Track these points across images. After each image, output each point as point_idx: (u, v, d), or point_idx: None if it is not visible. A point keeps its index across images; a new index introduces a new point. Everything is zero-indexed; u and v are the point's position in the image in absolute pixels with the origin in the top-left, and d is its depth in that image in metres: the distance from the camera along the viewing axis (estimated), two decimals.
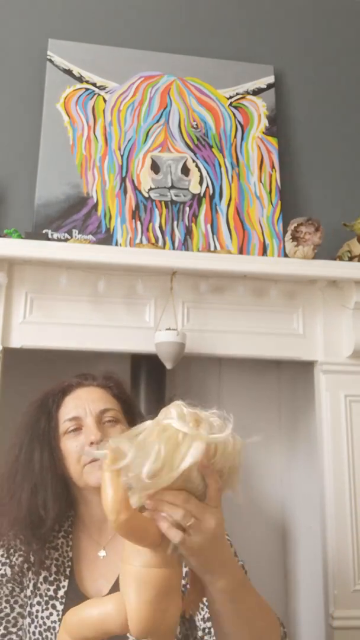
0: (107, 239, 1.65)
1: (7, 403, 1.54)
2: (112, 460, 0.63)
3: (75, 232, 1.64)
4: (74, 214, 1.65)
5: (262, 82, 1.90)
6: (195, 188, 1.74)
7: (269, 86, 1.90)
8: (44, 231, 1.61)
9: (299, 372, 1.76)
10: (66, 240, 1.61)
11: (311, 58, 2.02)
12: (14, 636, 0.91)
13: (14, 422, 1.67)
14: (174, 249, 1.66)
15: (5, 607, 0.92)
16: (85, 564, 0.97)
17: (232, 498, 0.73)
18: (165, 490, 0.63)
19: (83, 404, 1.01)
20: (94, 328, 1.51)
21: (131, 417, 1.05)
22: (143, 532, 0.63)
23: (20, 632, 0.92)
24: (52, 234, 1.61)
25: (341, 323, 1.61)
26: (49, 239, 1.58)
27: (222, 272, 1.53)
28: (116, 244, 1.64)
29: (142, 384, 1.66)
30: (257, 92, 1.89)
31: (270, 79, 1.91)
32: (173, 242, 1.67)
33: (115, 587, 0.91)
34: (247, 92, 1.88)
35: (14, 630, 0.91)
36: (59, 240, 1.61)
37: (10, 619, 0.92)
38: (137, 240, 1.65)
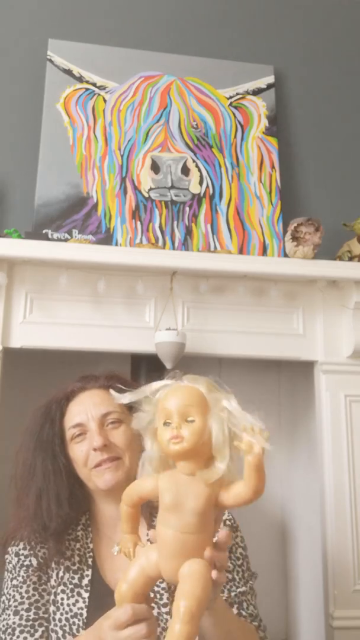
0: (107, 239, 1.65)
1: (7, 403, 1.54)
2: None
3: (75, 232, 1.64)
4: (74, 214, 1.65)
5: (262, 82, 1.90)
6: (195, 188, 1.74)
7: (269, 86, 1.90)
8: (44, 231, 1.61)
9: (299, 372, 1.76)
10: (66, 240, 1.61)
11: (311, 58, 2.02)
12: (43, 621, 0.93)
13: (14, 421, 1.67)
14: (174, 249, 1.66)
15: (34, 594, 0.94)
16: (105, 556, 1.00)
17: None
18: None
19: (86, 410, 1.03)
20: (94, 328, 1.51)
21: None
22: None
23: (49, 619, 0.94)
24: (52, 234, 1.61)
25: (341, 323, 1.61)
26: (49, 239, 1.58)
27: (222, 272, 1.53)
28: (116, 244, 1.64)
29: (142, 384, 1.66)
30: (257, 92, 1.89)
31: (270, 79, 1.91)
32: (173, 242, 1.67)
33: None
34: (247, 92, 1.88)
35: (45, 616, 0.93)
36: (59, 240, 1.61)
37: (39, 605, 0.94)
38: (137, 240, 1.65)
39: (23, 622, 0.91)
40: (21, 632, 0.90)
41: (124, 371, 1.67)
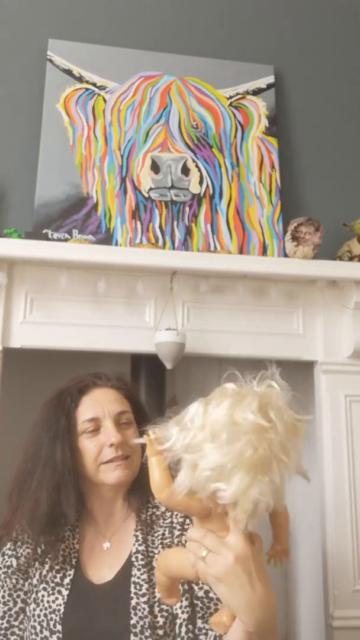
0: (107, 239, 1.65)
1: (7, 403, 1.54)
2: (156, 443, 0.71)
3: (75, 232, 1.64)
4: (74, 214, 1.65)
5: (262, 82, 1.90)
6: (195, 188, 1.74)
7: (269, 86, 1.90)
8: (44, 231, 1.61)
9: (299, 372, 1.76)
10: (66, 240, 1.61)
11: (311, 58, 2.02)
12: (16, 629, 0.96)
13: (14, 421, 1.67)
14: (174, 249, 1.66)
15: (9, 601, 0.97)
16: (90, 555, 1.01)
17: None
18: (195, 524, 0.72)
19: (101, 405, 1.04)
20: (94, 328, 1.51)
21: (140, 419, 1.07)
22: (186, 506, 0.71)
23: (22, 626, 0.96)
24: (52, 234, 1.61)
25: (341, 323, 1.61)
26: (49, 239, 1.58)
27: (222, 272, 1.53)
28: (116, 244, 1.64)
29: (142, 384, 1.66)
30: (257, 92, 1.89)
31: (270, 79, 1.91)
32: (173, 242, 1.67)
33: (118, 574, 0.97)
34: (247, 92, 1.88)
35: (16, 624, 0.96)
36: (59, 240, 1.61)
37: (12, 613, 0.97)
38: (137, 240, 1.65)
39: None
40: None
41: (124, 371, 1.68)
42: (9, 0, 1.87)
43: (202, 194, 1.74)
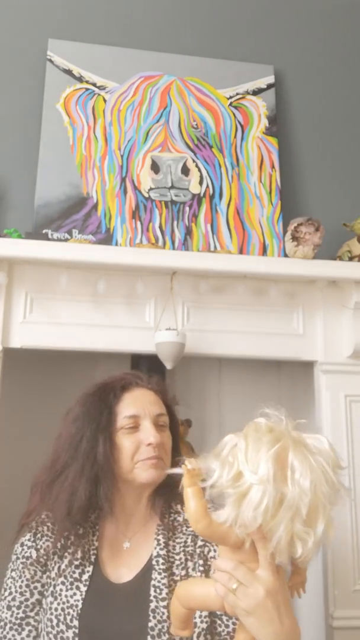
0: (107, 239, 1.65)
1: (7, 403, 1.54)
2: (193, 476, 0.74)
3: (75, 232, 1.64)
4: (74, 214, 1.65)
5: (262, 82, 1.90)
6: (195, 188, 1.74)
7: (269, 86, 1.90)
8: (44, 231, 1.61)
9: (299, 372, 1.76)
10: (66, 240, 1.61)
11: (311, 58, 2.02)
12: (31, 620, 0.97)
13: (14, 421, 1.68)
14: (174, 249, 1.66)
15: (26, 592, 0.98)
16: (109, 553, 1.02)
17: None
18: (222, 555, 0.74)
19: (142, 405, 1.05)
20: (94, 328, 1.51)
21: (172, 425, 1.10)
22: (223, 536, 0.72)
23: (37, 617, 0.97)
24: (52, 234, 1.61)
25: (341, 323, 1.61)
26: (49, 239, 1.58)
27: (222, 272, 1.53)
28: (116, 244, 1.64)
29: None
30: (257, 92, 1.89)
31: (270, 79, 1.91)
32: (173, 242, 1.67)
33: (138, 576, 0.98)
34: (247, 92, 1.88)
35: (32, 614, 0.97)
36: (59, 240, 1.61)
37: (29, 604, 0.97)
38: (137, 240, 1.65)
39: (13, 620, 0.96)
40: (10, 628, 0.96)
41: (124, 371, 1.68)
42: (9, 0, 1.87)
43: (202, 194, 1.74)
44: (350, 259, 1.63)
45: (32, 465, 1.68)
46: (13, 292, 1.49)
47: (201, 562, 0.99)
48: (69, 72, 1.78)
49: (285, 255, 1.62)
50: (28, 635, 0.96)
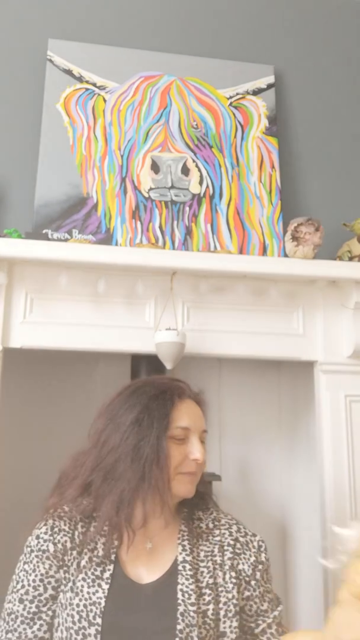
0: (107, 239, 1.65)
1: (7, 403, 1.54)
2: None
3: (75, 232, 1.64)
4: (74, 214, 1.65)
5: (262, 82, 1.90)
6: (195, 188, 1.74)
7: (269, 86, 1.90)
8: (44, 231, 1.61)
9: (299, 372, 1.76)
10: (66, 240, 1.61)
11: (311, 58, 2.02)
12: (43, 615, 0.97)
13: (14, 421, 1.67)
14: (174, 249, 1.66)
15: (39, 586, 0.98)
16: (129, 552, 1.02)
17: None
18: None
19: (193, 418, 1.05)
20: (94, 328, 1.51)
21: None
22: None
23: (49, 612, 0.97)
24: (52, 234, 1.62)
25: (341, 323, 1.61)
26: (49, 239, 1.58)
27: (222, 272, 1.53)
28: (116, 244, 1.64)
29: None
30: (257, 92, 1.89)
31: (270, 79, 1.91)
32: (173, 242, 1.67)
33: (163, 578, 0.98)
34: (247, 92, 1.88)
35: (44, 609, 0.97)
36: (59, 240, 1.61)
37: (42, 599, 0.97)
38: (137, 240, 1.65)
39: (25, 613, 0.96)
40: (22, 622, 0.96)
41: (124, 371, 1.68)
42: (9, 0, 1.87)
43: (202, 194, 1.74)
44: (350, 259, 1.63)
45: (32, 465, 1.68)
46: (13, 292, 1.49)
47: (233, 574, 1.01)
48: (69, 72, 1.78)
49: (285, 255, 1.62)
50: (39, 630, 0.96)
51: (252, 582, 1.02)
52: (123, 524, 0.98)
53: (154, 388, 1.06)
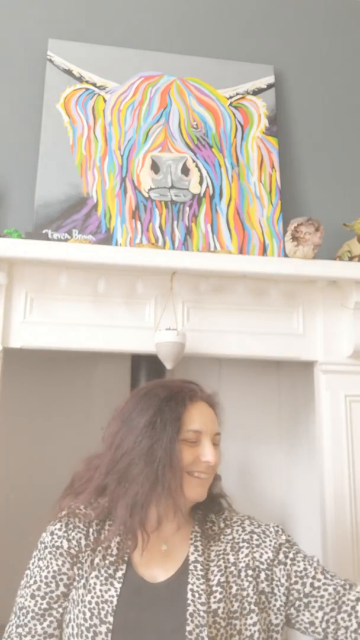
0: (107, 239, 1.65)
1: (7, 403, 1.54)
2: None
3: (75, 232, 1.64)
4: (74, 214, 1.65)
5: (262, 82, 1.90)
6: (195, 188, 1.74)
7: (269, 86, 1.90)
8: (44, 231, 1.61)
9: (299, 372, 1.76)
10: (66, 240, 1.61)
11: (311, 58, 2.02)
12: (54, 612, 0.98)
13: (14, 421, 1.68)
14: (174, 249, 1.66)
15: (51, 583, 0.98)
16: (145, 553, 1.01)
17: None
18: None
19: (205, 421, 1.05)
20: (94, 328, 1.51)
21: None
22: None
23: (60, 609, 0.98)
24: (52, 234, 1.62)
25: (341, 323, 1.61)
26: (49, 239, 1.58)
27: (222, 272, 1.53)
28: (116, 244, 1.65)
29: (142, 384, 1.66)
30: (257, 92, 1.89)
31: (270, 79, 1.91)
32: (173, 242, 1.67)
33: (173, 577, 0.99)
34: (247, 92, 1.88)
35: (55, 606, 0.98)
36: (59, 240, 1.61)
37: (53, 596, 0.98)
38: (137, 240, 1.65)
39: (36, 609, 0.97)
40: (32, 618, 0.97)
41: (124, 371, 1.68)
42: (9, 0, 1.87)
43: (202, 194, 1.74)
44: (350, 259, 1.63)
45: (32, 464, 1.68)
46: (13, 292, 1.49)
47: (250, 572, 1.00)
48: (69, 72, 1.78)
49: (285, 255, 1.62)
50: (49, 626, 0.97)
51: (281, 562, 1.01)
52: (137, 526, 0.97)
53: (165, 390, 1.06)
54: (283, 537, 1.05)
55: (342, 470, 1.52)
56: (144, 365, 1.67)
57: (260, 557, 1.01)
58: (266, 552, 1.02)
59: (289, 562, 1.01)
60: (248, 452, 1.85)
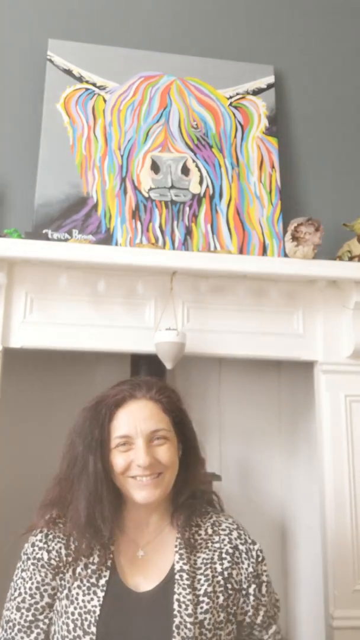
0: (107, 239, 1.65)
1: (7, 403, 1.54)
2: None
3: (75, 232, 1.64)
4: (74, 214, 1.65)
5: (262, 82, 1.90)
6: (195, 188, 1.74)
7: (269, 86, 1.90)
8: (44, 231, 1.61)
9: (299, 372, 1.76)
10: (66, 240, 1.61)
11: (311, 58, 2.02)
12: (40, 623, 0.97)
13: (14, 421, 1.68)
14: (174, 249, 1.66)
15: (36, 594, 0.98)
16: (125, 559, 1.01)
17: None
18: None
19: (135, 422, 1.01)
20: (94, 328, 1.51)
21: (181, 429, 1.06)
22: None
23: (46, 620, 0.97)
24: (52, 234, 1.62)
25: (341, 323, 1.61)
26: (49, 239, 1.58)
27: (222, 272, 1.53)
28: (116, 244, 1.64)
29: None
30: (257, 92, 1.89)
31: (270, 79, 1.91)
32: (173, 242, 1.67)
33: (159, 587, 0.97)
34: (247, 92, 1.88)
35: (41, 617, 0.97)
36: (59, 240, 1.61)
37: (38, 607, 0.97)
38: (137, 240, 1.65)
39: (22, 622, 0.96)
40: (19, 630, 0.96)
41: (124, 371, 1.68)
42: (9, 0, 1.87)
43: (202, 194, 1.74)
44: (350, 259, 1.63)
45: (32, 464, 1.68)
46: (13, 292, 1.49)
47: (229, 585, 0.99)
48: (69, 72, 1.78)
49: (285, 255, 1.62)
50: (36, 638, 0.96)
51: (248, 594, 1.01)
52: (94, 542, 0.97)
53: (94, 401, 1.06)
54: (260, 568, 1.04)
55: (342, 470, 1.52)
56: (144, 366, 1.66)
57: (236, 575, 1.01)
58: (240, 574, 1.01)
59: (251, 597, 1.02)
60: (248, 452, 1.85)
